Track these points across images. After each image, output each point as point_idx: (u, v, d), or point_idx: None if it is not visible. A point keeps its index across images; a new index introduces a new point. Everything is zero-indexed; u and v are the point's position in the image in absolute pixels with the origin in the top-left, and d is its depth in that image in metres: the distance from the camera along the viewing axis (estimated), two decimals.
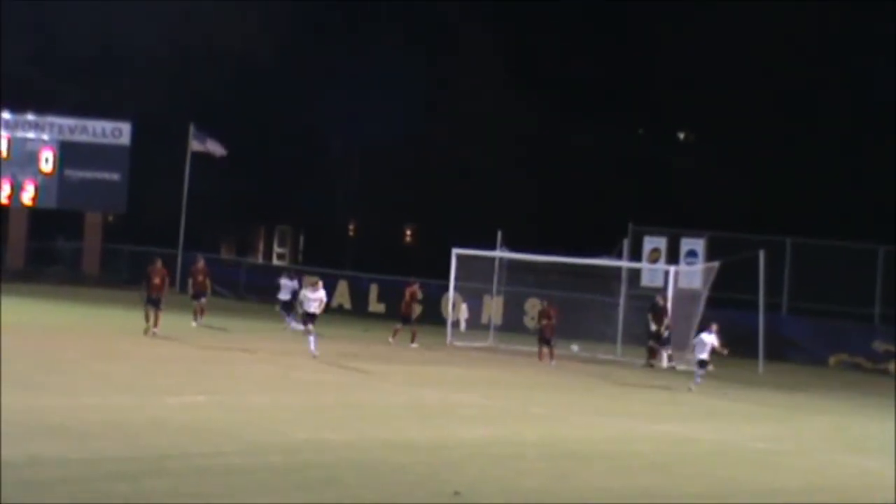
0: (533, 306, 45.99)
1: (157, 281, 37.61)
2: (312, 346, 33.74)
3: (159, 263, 38.79)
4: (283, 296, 44.09)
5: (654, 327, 40.49)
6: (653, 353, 40.58)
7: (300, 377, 29.90)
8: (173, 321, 39.69)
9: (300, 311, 36.04)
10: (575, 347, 41.79)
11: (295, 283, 42.85)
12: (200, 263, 43.22)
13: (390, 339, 40.80)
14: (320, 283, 35.89)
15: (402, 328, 41.23)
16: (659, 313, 40.42)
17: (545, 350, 38.69)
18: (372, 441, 20.67)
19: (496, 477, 18.33)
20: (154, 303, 37.13)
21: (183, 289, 48.05)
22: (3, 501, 14.24)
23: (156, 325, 36.89)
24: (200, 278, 42.35)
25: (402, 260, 59.08)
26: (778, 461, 22.17)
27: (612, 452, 21.72)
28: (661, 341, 40.40)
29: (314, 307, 34.44)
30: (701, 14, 57.67)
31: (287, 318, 42.59)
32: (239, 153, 58.77)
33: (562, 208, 58.62)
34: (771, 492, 19.07)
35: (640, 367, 39.66)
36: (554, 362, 37.92)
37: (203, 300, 41.94)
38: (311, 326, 34.25)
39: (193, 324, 40.94)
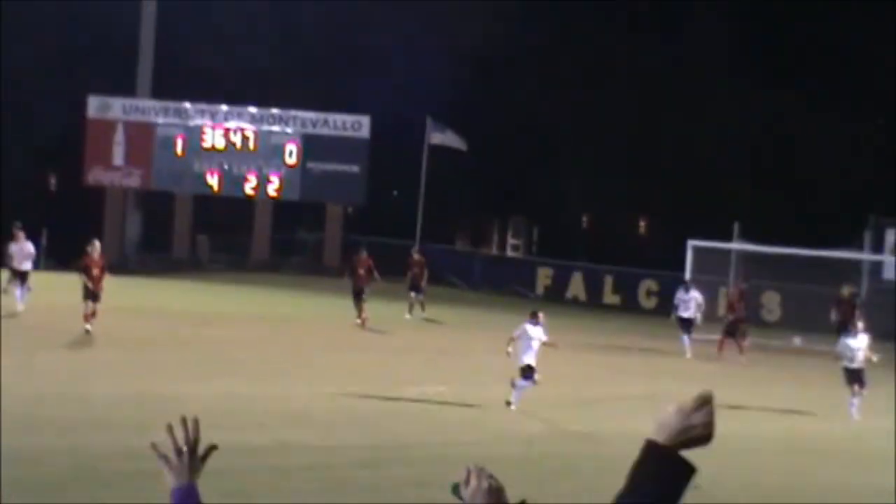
0: (770, 299, 45.31)
1: (361, 272, 37.53)
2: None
3: (364, 254, 38.73)
4: (686, 313, 37.67)
5: (834, 317, 39.47)
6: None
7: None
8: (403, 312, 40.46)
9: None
10: (797, 340, 41.04)
11: (697, 295, 38.31)
12: (416, 256, 42.73)
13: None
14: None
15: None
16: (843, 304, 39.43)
17: (726, 340, 37.44)
18: (609, 433, 20.77)
19: (735, 472, 18.26)
20: (357, 294, 37.15)
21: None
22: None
23: (359, 316, 36.77)
24: (417, 271, 41.76)
25: (637, 251, 58.87)
26: None
27: (851, 448, 21.38)
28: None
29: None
30: None
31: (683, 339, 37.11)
32: (474, 145, 59.31)
33: (800, 199, 57.55)
34: None
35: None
36: (744, 358, 36.30)
37: (415, 294, 41.15)
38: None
39: (407, 316, 40.56)
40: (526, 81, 62.66)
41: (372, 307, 38.75)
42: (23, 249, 34.76)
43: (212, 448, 4.31)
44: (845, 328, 39.12)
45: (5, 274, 34.70)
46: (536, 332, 23.73)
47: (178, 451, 4.26)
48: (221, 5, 60.86)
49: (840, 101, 57.20)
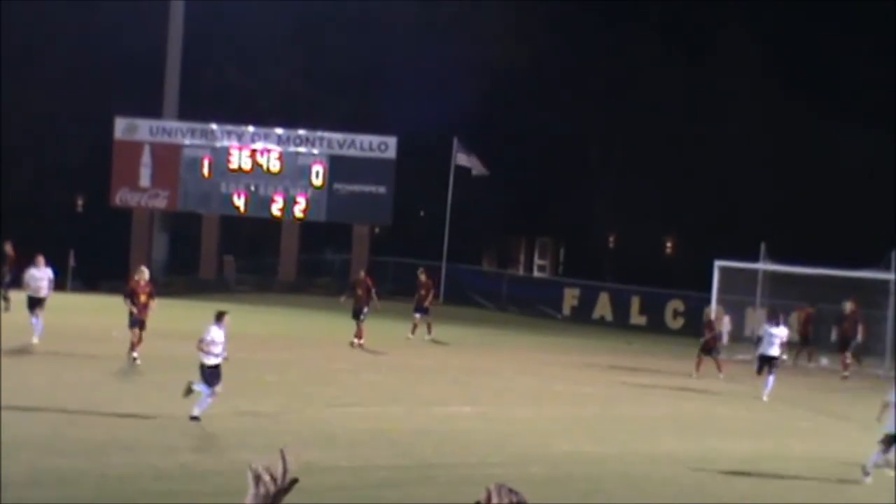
0: (797, 319, 45.03)
1: (359, 292, 37.23)
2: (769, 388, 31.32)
3: (361, 274, 38.82)
4: (771, 350, 32.05)
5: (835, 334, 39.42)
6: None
7: (562, 389, 30.08)
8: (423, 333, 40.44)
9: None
10: (824, 360, 40.95)
11: (785, 331, 33.17)
12: (423, 277, 41.33)
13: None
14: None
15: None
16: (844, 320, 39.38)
17: (703, 359, 35.75)
18: (635, 453, 20.71)
19: (763, 493, 18.16)
20: (355, 315, 36.86)
21: (447, 300, 48.51)
22: None
23: (356, 336, 36.34)
24: (422, 292, 40.57)
25: (663, 272, 58.71)
26: None
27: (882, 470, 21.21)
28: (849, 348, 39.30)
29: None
30: None
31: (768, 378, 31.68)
32: (501, 166, 59.35)
33: (827, 219, 57.31)
34: None
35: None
36: (722, 375, 35.21)
37: (419, 315, 40.19)
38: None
39: (409, 336, 39.81)
40: (553, 102, 62.64)
41: (401, 328, 38.78)
42: (43, 275, 32.87)
43: (294, 482, 4.38)
44: (847, 344, 39.06)
45: (22, 299, 33.99)
46: None
47: (272, 482, 4.33)
48: (248, 27, 61.17)
49: (868, 120, 57.03)
